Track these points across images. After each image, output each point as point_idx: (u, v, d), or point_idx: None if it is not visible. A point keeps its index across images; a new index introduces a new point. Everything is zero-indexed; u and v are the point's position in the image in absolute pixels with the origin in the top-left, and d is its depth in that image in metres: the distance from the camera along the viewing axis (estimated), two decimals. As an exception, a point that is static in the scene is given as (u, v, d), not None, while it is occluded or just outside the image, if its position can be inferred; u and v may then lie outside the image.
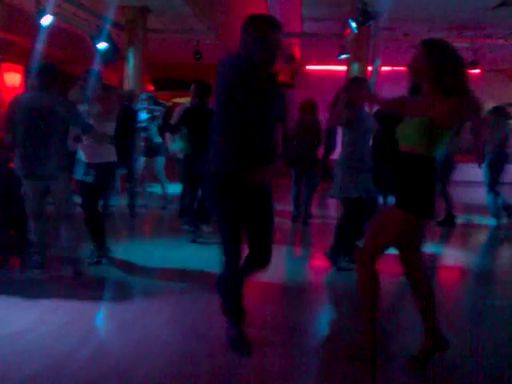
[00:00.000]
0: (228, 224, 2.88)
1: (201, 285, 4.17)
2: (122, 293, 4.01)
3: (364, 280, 2.86)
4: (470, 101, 2.78)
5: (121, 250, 5.07)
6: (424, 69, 2.72)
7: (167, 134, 7.09)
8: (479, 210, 8.16)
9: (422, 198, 2.75)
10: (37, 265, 4.36)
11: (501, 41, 12.26)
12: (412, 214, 2.74)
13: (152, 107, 7.50)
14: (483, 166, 7.04)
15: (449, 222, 6.96)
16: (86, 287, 4.07)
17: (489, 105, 8.07)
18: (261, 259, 3.02)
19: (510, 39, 12.09)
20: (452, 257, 5.71)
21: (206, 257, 5.04)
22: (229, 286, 3.01)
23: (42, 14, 7.91)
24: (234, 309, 3.05)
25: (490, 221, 7.40)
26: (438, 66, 2.67)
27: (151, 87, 15.76)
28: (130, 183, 7.04)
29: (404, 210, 2.75)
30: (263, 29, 2.69)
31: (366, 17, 9.64)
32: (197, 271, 4.61)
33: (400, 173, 2.82)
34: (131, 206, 7.11)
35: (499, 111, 7.44)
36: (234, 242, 2.89)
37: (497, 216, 7.31)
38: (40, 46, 7.94)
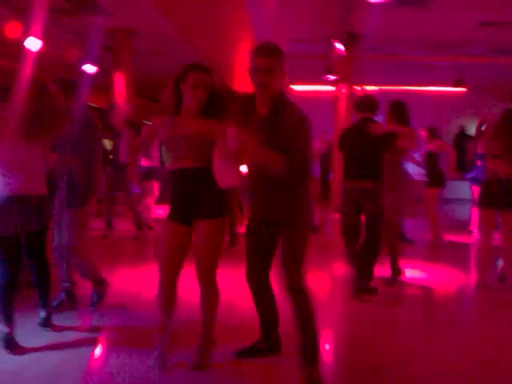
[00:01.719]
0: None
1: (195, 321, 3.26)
2: (111, 336, 3.72)
3: None
4: None
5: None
6: None
7: None
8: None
9: None
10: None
11: (485, 59, 12.45)
12: None
13: None
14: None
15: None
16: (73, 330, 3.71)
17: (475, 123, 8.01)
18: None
19: (493, 58, 12.29)
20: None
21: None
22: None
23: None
24: None
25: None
26: None
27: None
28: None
29: None
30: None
31: (351, 38, 9.78)
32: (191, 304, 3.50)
33: None
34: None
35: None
36: None
37: None
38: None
